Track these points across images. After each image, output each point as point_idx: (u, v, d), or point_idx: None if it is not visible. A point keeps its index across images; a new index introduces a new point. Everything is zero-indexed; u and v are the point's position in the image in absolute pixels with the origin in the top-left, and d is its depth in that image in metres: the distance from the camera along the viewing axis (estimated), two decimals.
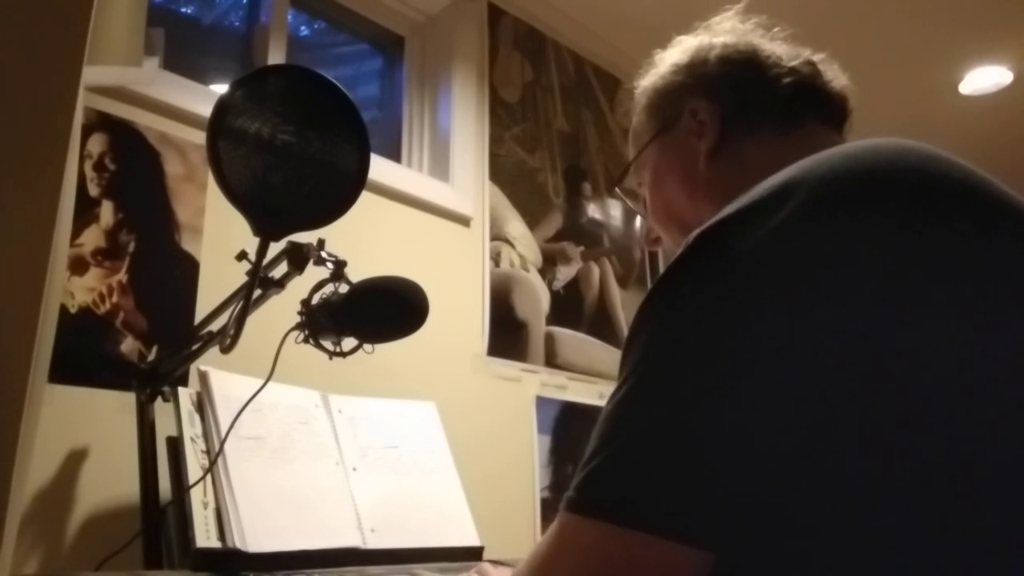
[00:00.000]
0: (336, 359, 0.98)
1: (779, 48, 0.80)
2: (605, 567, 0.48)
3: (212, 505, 1.01)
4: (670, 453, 0.48)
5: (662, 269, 0.55)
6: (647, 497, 0.48)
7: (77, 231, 1.26)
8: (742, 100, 0.77)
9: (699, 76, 0.80)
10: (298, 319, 0.97)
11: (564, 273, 2.16)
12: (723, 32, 0.83)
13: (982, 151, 1.86)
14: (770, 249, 0.50)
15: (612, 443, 0.50)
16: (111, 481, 1.19)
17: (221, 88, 0.95)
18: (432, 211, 1.84)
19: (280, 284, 0.95)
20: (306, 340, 0.97)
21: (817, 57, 0.80)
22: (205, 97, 1.42)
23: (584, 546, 0.49)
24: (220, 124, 0.80)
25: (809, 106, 0.76)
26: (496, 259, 1.97)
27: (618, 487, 0.49)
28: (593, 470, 0.50)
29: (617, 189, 0.95)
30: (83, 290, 1.25)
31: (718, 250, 0.52)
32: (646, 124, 0.86)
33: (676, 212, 0.82)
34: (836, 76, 0.80)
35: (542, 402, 1.96)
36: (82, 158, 1.28)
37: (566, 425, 2.01)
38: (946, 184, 0.54)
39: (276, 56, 1.77)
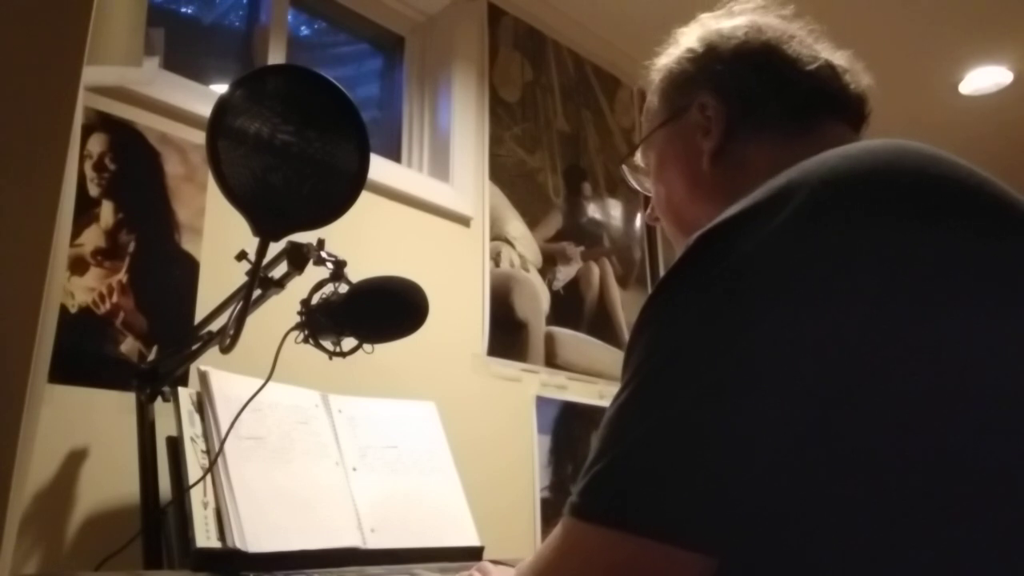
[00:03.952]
0: (336, 359, 0.98)
1: (800, 47, 0.76)
2: (609, 573, 0.48)
3: (212, 505, 1.01)
4: (673, 458, 0.48)
5: (663, 270, 0.55)
6: (651, 502, 0.47)
7: (77, 231, 1.26)
8: (751, 101, 0.75)
9: (712, 71, 0.78)
10: (298, 319, 0.97)
11: (564, 273, 2.16)
12: (744, 19, 0.79)
13: (982, 151, 1.87)
14: (772, 250, 0.50)
15: (615, 448, 0.50)
16: (111, 481, 1.19)
17: (221, 88, 0.95)
18: (432, 211, 1.84)
19: (280, 284, 0.95)
20: (306, 340, 0.97)
21: (840, 56, 0.77)
22: (205, 97, 1.42)
23: (588, 552, 0.49)
24: (220, 124, 0.80)
25: (823, 109, 0.74)
26: (496, 259, 1.97)
27: (621, 492, 0.48)
28: (596, 475, 0.50)
29: (623, 166, 0.94)
30: (83, 290, 1.25)
31: (720, 252, 0.52)
32: (657, 107, 0.84)
33: (676, 205, 0.82)
34: (857, 78, 0.77)
35: (542, 402, 1.96)
36: (82, 158, 1.28)
37: (566, 425, 2.01)
38: (947, 184, 0.54)
39: (276, 56, 1.77)
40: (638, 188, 0.94)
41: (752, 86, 0.76)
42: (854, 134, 0.76)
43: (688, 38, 0.82)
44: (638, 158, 0.90)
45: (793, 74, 0.75)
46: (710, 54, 0.79)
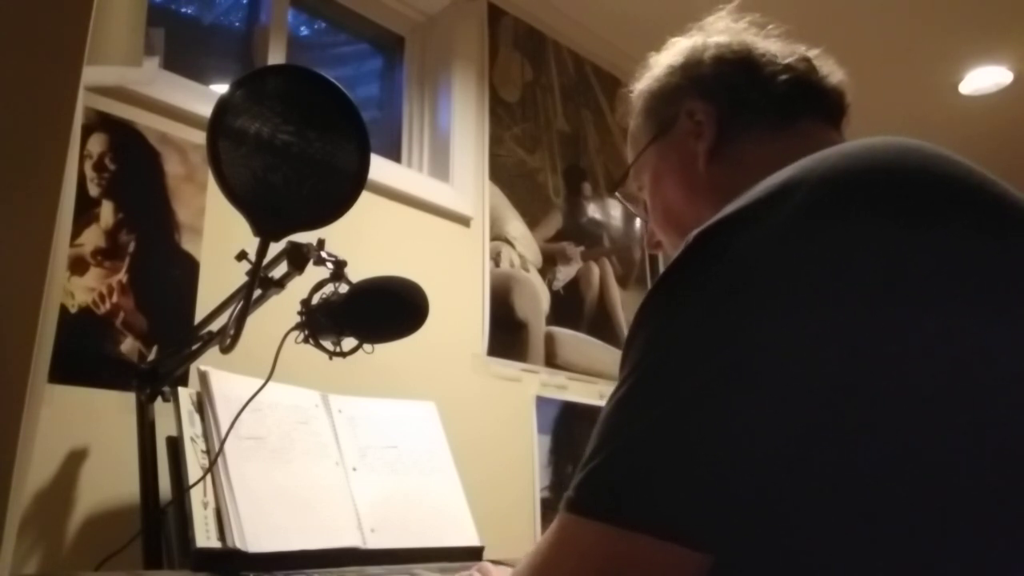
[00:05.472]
0: (336, 359, 0.98)
1: (774, 46, 0.80)
2: (605, 568, 0.48)
3: (212, 505, 1.01)
4: (669, 454, 0.48)
5: (662, 269, 0.55)
6: (646, 498, 0.47)
7: (77, 231, 1.26)
8: (738, 99, 0.77)
9: (694, 77, 0.80)
10: (298, 319, 0.97)
11: (564, 273, 2.16)
12: (717, 32, 0.83)
13: (982, 151, 1.86)
14: (770, 248, 0.50)
15: (611, 443, 0.50)
16: (111, 481, 1.19)
17: (221, 88, 0.95)
18: (432, 211, 1.84)
19: (280, 284, 0.95)
20: (306, 340, 0.97)
21: (812, 53, 0.80)
22: (205, 97, 1.42)
23: (584, 547, 0.49)
24: (220, 124, 0.80)
25: (806, 102, 0.76)
26: (496, 259, 1.97)
27: (618, 488, 0.49)
28: (592, 471, 0.50)
29: (617, 194, 0.95)
30: (83, 290, 1.25)
31: (718, 249, 0.52)
32: (643, 127, 0.86)
33: (676, 214, 0.82)
34: (832, 71, 0.79)
35: (542, 402, 1.96)
36: (82, 158, 1.28)
37: (566, 425, 2.01)
38: (947, 183, 0.54)
39: (276, 56, 1.77)
40: (635, 212, 0.95)
41: (737, 84, 0.78)
42: (836, 131, 0.78)
43: (665, 57, 0.85)
44: (631, 184, 0.90)
45: (773, 68, 0.77)
46: (691, 63, 0.81)
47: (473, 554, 1.21)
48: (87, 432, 1.20)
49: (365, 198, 0.88)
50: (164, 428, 1.11)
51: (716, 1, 0.88)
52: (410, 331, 1.00)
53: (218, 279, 1.34)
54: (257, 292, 0.91)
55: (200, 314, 1.29)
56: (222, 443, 1.03)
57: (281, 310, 1.00)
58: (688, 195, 0.80)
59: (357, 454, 1.20)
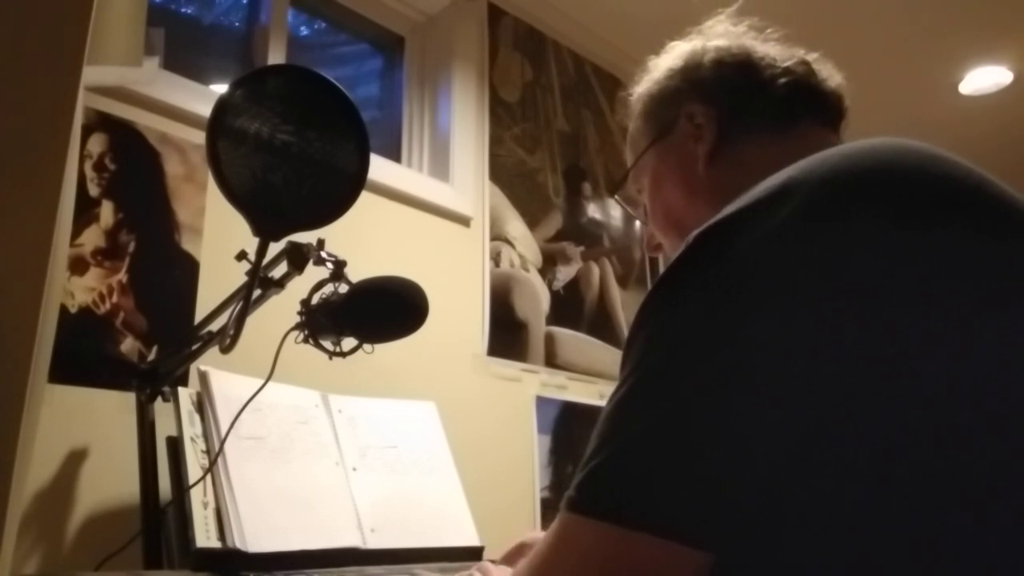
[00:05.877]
0: (336, 359, 0.98)
1: (773, 49, 0.80)
2: (606, 567, 0.48)
3: (212, 505, 1.01)
4: (670, 453, 0.48)
5: (663, 269, 0.55)
6: (647, 497, 0.48)
7: (77, 231, 1.26)
8: (738, 102, 0.78)
9: (694, 80, 0.81)
10: (298, 319, 0.97)
11: (564, 273, 2.16)
12: (716, 36, 0.83)
13: (982, 151, 1.86)
14: (770, 249, 0.50)
15: (612, 443, 0.50)
16: (111, 481, 1.19)
17: (221, 88, 0.95)
18: (432, 211, 1.84)
19: (280, 284, 0.95)
20: (306, 340, 0.97)
21: (811, 56, 0.80)
22: (205, 97, 1.42)
23: (585, 547, 0.50)
24: (220, 124, 0.80)
25: (805, 105, 0.77)
26: (496, 259, 1.97)
27: (618, 487, 0.49)
28: (593, 470, 0.50)
29: (616, 196, 0.95)
30: (83, 290, 1.25)
31: (718, 250, 0.52)
32: (643, 130, 0.86)
33: (676, 217, 0.82)
34: (831, 75, 0.80)
35: (542, 402, 1.96)
36: (82, 158, 1.28)
37: (566, 425, 2.01)
38: (945, 184, 0.54)
39: (276, 56, 1.77)
40: (634, 215, 0.95)
41: (737, 87, 0.78)
42: (835, 134, 0.78)
43: (664, 61, 0.85)
44: (630, 187, 0.91)
45: (773, 71, 0.78)
46: (691, 66, 0.82)
47: (473, 554, 1.21)
48: (87, 432, 1.20)
49: (365, 198, 0.88)
50: (164, 428, 1.11)
51: (718, 1, 0.88)
52: (410, 331, 1.00)
53: (218, 279, 1.34)
54: (257, 292, 0.91)
55: (200, 314, 1.29)
56: (222, 443, 1.03)
57: (281, 310, 1.00)
58: (688, 197, 0.80)
59: (357, 454, 1.20)
